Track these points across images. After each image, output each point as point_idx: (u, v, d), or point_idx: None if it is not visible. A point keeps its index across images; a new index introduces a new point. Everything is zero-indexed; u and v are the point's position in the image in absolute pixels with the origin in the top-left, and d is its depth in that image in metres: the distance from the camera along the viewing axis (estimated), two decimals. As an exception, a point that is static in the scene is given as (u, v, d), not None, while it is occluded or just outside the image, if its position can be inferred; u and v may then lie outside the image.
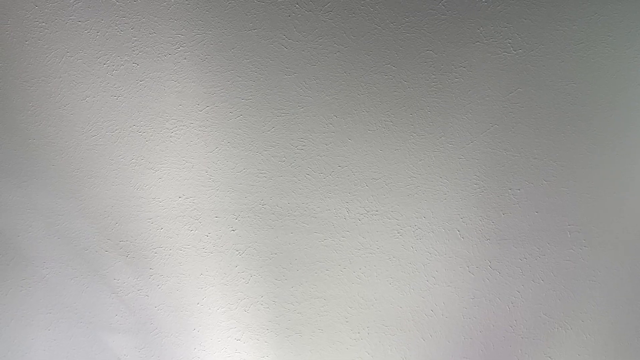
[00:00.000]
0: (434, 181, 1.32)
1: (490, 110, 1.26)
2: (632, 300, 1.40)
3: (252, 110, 1.28)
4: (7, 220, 1.40)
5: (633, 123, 1.27)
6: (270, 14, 1.20)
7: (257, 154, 1.32)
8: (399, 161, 1.31)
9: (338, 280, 1.40)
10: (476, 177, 1.31)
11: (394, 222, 1.35)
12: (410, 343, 1.44)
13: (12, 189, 1.37)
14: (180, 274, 1.43)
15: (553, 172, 1.30)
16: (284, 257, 1.39)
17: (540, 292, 1.39)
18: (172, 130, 1.31)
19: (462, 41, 1.20)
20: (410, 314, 1.41)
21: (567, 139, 1.28)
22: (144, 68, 1.26)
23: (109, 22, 1.22)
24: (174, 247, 1.40)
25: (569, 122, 1.27)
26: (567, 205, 1.32)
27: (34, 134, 1.32)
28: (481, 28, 1.19)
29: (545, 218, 1.33)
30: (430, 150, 1.29)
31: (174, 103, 1.28)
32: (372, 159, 1.31)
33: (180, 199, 1.36)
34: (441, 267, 1.38)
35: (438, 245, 1.36)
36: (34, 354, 1.52)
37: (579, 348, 1.43)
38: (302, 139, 1.30)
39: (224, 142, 1.31)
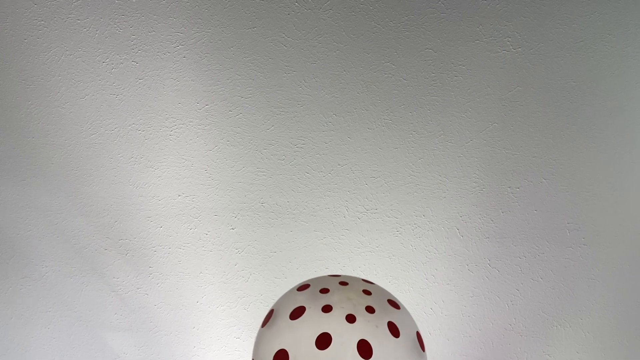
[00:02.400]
0: (433, 179, 1.32)
1: (490, 109, 1.26)
2: (631, 299, 1.40)
3: (251, 109, 1.28)
4: (6, 219, 1.40)
5: (632, 122, 1.27)
6: (270, 12, 1.20)
7: (257, 152, 1.32)
8: (399, 159, 1.31)
9: (337, 278, 1.40)
10: (475, 176, 1.31)
11: (394, 221, 1.35)
12: (410, 341, 1.44)
13: (11, 187, 1.37)
14: (180, 273, 1.43)
15: (552, 171, 1.30)
16: (284, 256, 1.39)
17: (539, 290, 1.39)
18: (171, 129, 1.31)
19: (462, 39, 1.20)
20: (410, 312, 1.41)
21: (567, 137, 1.28)
22: (143, 66, 1.25)
23: (108, 21, 1.22)
24: (173, 245, 1.40)
25: (568, 121, 1.27)
26: (566, 204, 1.33)
27: (33, 132, 1.32)
28: (481, 26, 1.19)
29: (545, 216, 1.33)
30: (429, 149, 1.29)
31: (173, 101, 1.28)
32: (371, 157, 1.31)
33: (179, 197, 1.36)
34: (440, 265, 1.38)
35: (437, 244, 1.36)
36: (34, 352, 1.52)
37: (578, 346, 1.43)
38: (301, 138, 1.30)
39: (223, 141, 1.31)
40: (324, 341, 0.62)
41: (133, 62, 1.25)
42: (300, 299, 0.69)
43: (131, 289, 1.45)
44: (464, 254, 1.37)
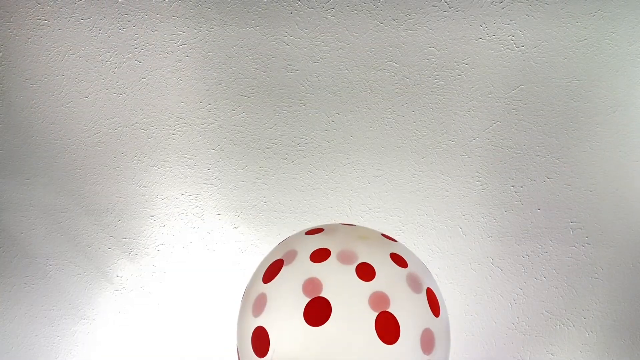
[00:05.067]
0: (436, 178, 1.32)
1: (493, 108, 1.26)
2: (634, 297, 1.40)
3: (254, 108, 1.28)
4: (10, 218, 1.41)
5: (635, 120, 1.26)
6: (272, 11, 1.20)
7: (259, 151, 1.32)
8: (401, 158, 1.31)
9: (340, 277, 1.40)
10: (478, 174, 1.31)
11: (396, 220, 1.35)
12: (412, 340, 1.44)
13: (15, 186, 1.38)
14: (183, 271, 1.43)
15: (555, 169, 1.30)
16: (286, 254, 1.39)
17: (542, 289, 1.39)
18: (174, 128, 1.31)
19: (465, 38, 1.20)
20: (413, 311, 1.41)
21: (570, 136, 1.27)
22: (146, 65, 1.26)
23: (111, 20, 1.22)
24: (177, 244, 1.41)
25: (571, 119, 1.26)
26: (570, 202, 1.32)
27: (37, 132, 1.32)
28: (484, 25, 1.19)
29: (548, 215, 1.33)
30: (432, 148, 1.29)
31: (176, 100, 1.28)
32: (374, 156, 1.31)
33: (182, 196, 1.36)
34: (443, 264, 1.38)
35: (440, 243, 1.36)
36: (38, 350, 1.53)
37: (581, 345, 1.43)
38: (304, 136, 1.30)
39: (226, 140, 1.31)
40: (317, 312, 0.38)
41: (136, 61, 1.25)
42: (276, 250, 0.45)
43: (134, 287, 1.45)
44: (467, 252, 1.37)
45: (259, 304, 0.46)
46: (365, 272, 0.40)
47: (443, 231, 1.35)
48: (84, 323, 1.49)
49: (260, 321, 0.45)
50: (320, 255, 0.40)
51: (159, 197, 1.37)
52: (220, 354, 1.50)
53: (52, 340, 1.51)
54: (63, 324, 1.49)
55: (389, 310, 0.39)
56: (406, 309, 0.41)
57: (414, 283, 0.43)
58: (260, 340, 0.43)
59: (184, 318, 1.47)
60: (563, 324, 1.41)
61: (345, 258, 0.40)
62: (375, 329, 0.38)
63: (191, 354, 1.50)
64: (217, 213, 1.38)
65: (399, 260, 0.43)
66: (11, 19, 1.23)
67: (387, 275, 0.41)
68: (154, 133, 1.31)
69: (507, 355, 1.44)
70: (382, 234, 0.51)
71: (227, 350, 1.49)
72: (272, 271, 0.45)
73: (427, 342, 0.46)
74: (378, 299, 0.39)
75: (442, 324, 0.48)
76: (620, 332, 1.42)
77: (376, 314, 0.38)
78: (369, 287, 0.39)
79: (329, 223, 0.57)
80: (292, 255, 0.43)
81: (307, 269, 0.41)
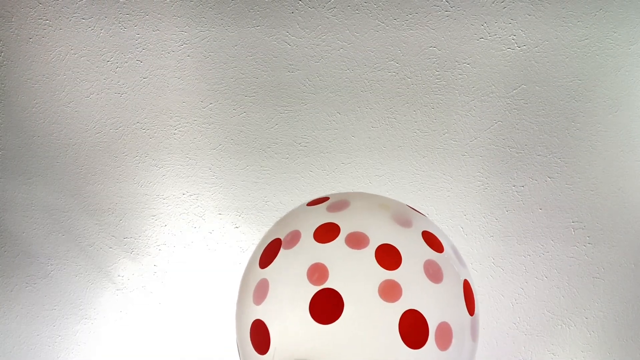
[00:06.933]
0: (437, 178, 1.32)
1: (494, 107, 1.26)
2: (636, 297, 1.39)
3: (255, 107, 1.28)
4: (11, 218, 1.41)
5: (637, 120, 1.26)
6: (274, 11, 1.20)
7: (261, 151, 1.32)
8: (402, 158, 1.31)
9: (341, 277, 1.40)
10: (479, 174, 1.31)
11: (397, 219, 1.35)
12: (414, 340, 1.44)
13: (16, 186, 1.38)
14: (184, 271, 1.43)
15: (557, 169, 1.30)
16: (288, 254, 1.39)
17: (543, 289, 1.39)
18: (175, 127, 1.31)
19: (466, 37, 1.20)
20: (414, 310, 1.41)
21: (571, 135, 1.27)
22: (148, 65, 1.26)
23: (112, 20, 1.22)
24: (178, 244, 1.41)
25: (573, 119, 1.26)
26: (571, 202, 1.32)
27: (38, 132, 1.33)
28: (485, 24, 1.19)
29: (549, 215, 1.33)
30: (433, 147, 1.29)
31: (177, 100, 1.28)
32: (375, 156, 1.31)
33: (184, 195, 1.36)
34: (444, 264, 1.38)
35: (441, 242, 1.36)
36: (39, 350, 1.53)
37: (583, 345, 1.43)
38: (305, 136, 1.30)
39: (227, 139, 1.31)
40: (325, 306, 0.32)
41: (137, 61, 1.26)
42: (275, 228, 0.39)
43: (136, 287, 1.45)
44: (468, 252, 1.37)
45: (257, 293, 0.40)
46: (388, 256, 0.32)
47: (444, 231, 1.35)
48: (86, 322, 1.49)
49: (258, 313, 0.40)
50: (327, 234, 0.33)
51: (160, 196, 1.37)
52: (220, 354, 1.50)
53: (53, 340, 1.51)
54: (64, 323, 1.50)
55: (415, 308, 0.32)
56: (436, 306, 0.34)
57: (450, 273, 0.35)
58: (261, 335, 0.38)
59: (185, 318, 1.47)
60: (564, 324, 1.41)
61: (358, 239, 0.32)
62: (399, 331, 0.32)
63: (192, 353, 1.51)
64: (219, 213, 1.38)
65: (432, 241, 0.33)
66: (12, 19, 1.23)
67: (417, 262, 0.33)
68: (155, 133, 1.31)
69: (509, 355, 1.44)
70: (409, 206, 0.39)
71: (228, 350, 1.49)
72: (268, 254, 0.39)
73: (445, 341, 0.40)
74: (399, 292, 0.32)
75: (475, 322, 0.41)
76: (621, 332, 1.42)
77: (401, 312, 0.32)
78: (392, 276, 0.32)
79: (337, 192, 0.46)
80: (293, 234, 0.37)
81: (310, 251, 0.34)
